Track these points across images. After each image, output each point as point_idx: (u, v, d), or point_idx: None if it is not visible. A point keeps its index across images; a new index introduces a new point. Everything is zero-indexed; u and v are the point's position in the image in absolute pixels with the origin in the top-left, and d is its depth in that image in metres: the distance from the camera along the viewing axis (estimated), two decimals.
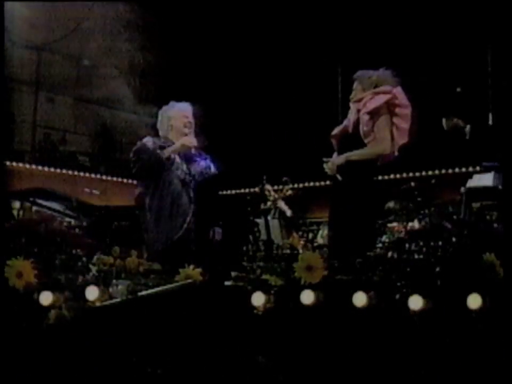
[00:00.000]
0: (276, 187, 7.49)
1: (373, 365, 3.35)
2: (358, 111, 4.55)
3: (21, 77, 9.29)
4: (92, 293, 3.75)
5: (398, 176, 8.77)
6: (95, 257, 3.98)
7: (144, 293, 3.71)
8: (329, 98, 8.67)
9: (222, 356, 3.56)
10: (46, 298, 3.78)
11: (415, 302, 3.27)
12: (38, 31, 9.36)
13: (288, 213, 6.88)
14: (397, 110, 4.46)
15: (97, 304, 3.71)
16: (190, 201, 4.74)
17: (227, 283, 3.67)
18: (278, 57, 9.20)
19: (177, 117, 4.96)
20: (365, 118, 4.49)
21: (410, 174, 8.65)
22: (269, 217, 6.80)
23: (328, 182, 9.46)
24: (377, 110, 4.44)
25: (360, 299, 3.35)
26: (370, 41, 8.63)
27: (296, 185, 7.73)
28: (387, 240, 5.45)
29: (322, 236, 6.88)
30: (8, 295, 3.83)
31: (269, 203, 6.93)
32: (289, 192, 7.14)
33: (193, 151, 4.92)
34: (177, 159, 4.84)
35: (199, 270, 3.80)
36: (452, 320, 3.27)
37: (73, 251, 4.03)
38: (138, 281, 3.80)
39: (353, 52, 8.72)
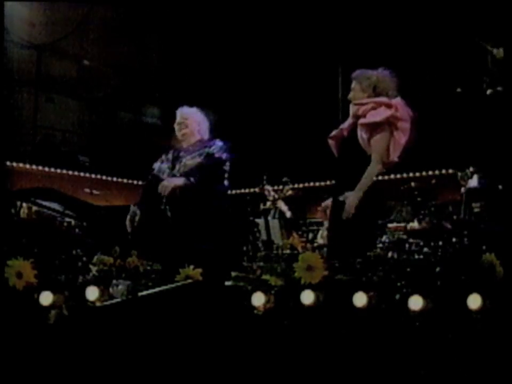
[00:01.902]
0: (276, 187, 7.49)
1: (373, 365, 3.35)
2: (356, 116, 4.52)
3: (21, 77, 9.27)
4: (92, 293, 3.75)
5: (398, 176, 8.75)
6: (95, 257, 3.98)
7: (144, 293, 3.71)
8: (329, 98, 8.66)
9: (222, 356, 3.55)
10: (46, 298, 3.78)
11: (415, 302, 3.27)
12: (38, 31, 9.36)
13: (288, 214, 6.88)
14: (398, 123, 4.42)
15: (98, 304, 3.71)
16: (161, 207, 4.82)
17: (227, 283, 3.66)
18: (278, 57, 9.20)
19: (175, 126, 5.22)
20: (363, 128, 4.45)
21: (411, 174, 8.64)
22: (269, 217, 6.80)
23: (328, 182, 9.50)
24: (377, 125, 4.39)
25: (360, 299, 3.35)
26: (370, 40, 8.62)
27: (296, 185, 7.73)
28: (387, 240, 5.45)
29: (322, 236, 6.87)
30: (8, 295, 3.83)
31: (268, 203, 6.94)
32: (290, 192, 7.13)
33: (189, 149, 5.05)
34: (162, 167, 5.07)
35: (199, 270, 3.80)
36: (452, 320, 3.27)
37: (73, 251, 4.04)
38: (138, 281, 3.80)
39: (354, 52, 8.71)
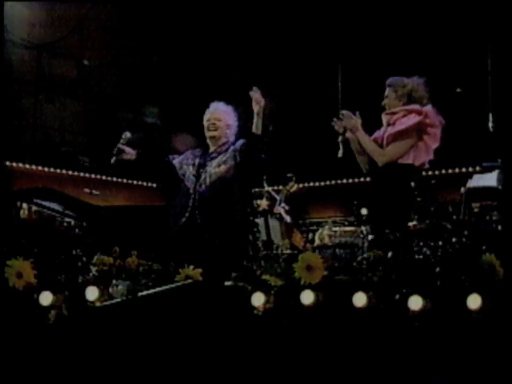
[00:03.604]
0: (275, 187, 7.48)
1: (372, 365, 3.35)
2: (389, 125, 4.53)
3: (21, 77, 9.27)
4: (91, 293, 3.75)
5: None
6: (95, 257, 3.98)
7: (144, 293, 3.71)
8: (329, 98, 8.67)
9: (222, 356, 3.55)
10: (46, 298, 3.78)
11: (415, 302, 3.27)
12: (38, 31, 9.35)
13: (288, 219, 6.86)
14: (428, 129, 4.45)
15: (97, 304, 3.71)
16: (193, 207, 4.77)
17: (227, 283, 3.66)
18: (280, 57, 9.20)
19: (204, 122, 5.02)
20: (391, 135, 4.45)
21: None
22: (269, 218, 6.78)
23: (328, 182, 9.50)
24: (406, 131, 4.41)
25: (360, 299, 3.36)
26: (370, 41, 8.63)
27: (297, 185, 7.72)
28: None
29: (320, 236, 6.84)
30: (8, 295, 3.82)
31: (265, 204, 6.92)
32: (294, 188, 7.11)
33: (215, 154, 4.92)
34: (188, 170, 4.93)
35: (199, 270, 3.80)
36: (452, 321, 3.27)
37: (73, 251, 4.04)
38: (138, 281, 3.79)
39: (353, 52, 8.72)
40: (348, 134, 4.58)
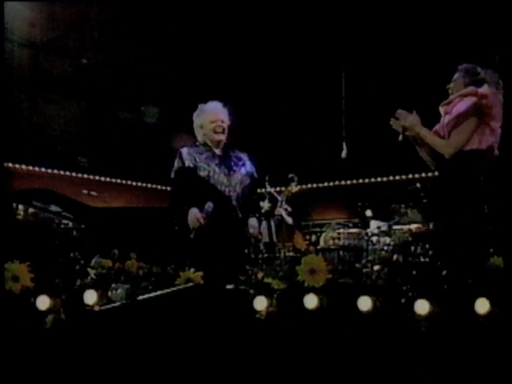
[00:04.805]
0: (278, 188, 7.44)
1: (378, 369, 3.31)
2: (446, 113, 4.45)
3: (21, 77, 9.28)
4: (90, 297, 3.70)
5: (403, 177, 8.75)
6: (93, 260, 3.94)
7: (145, 296, 3.67)
8: (332, 99, 8.65)
9: (223, 360, 3.51)
10: (43, 302, 3.74)
11: (421, 306, 3.22)
12: (38, 30, 9.37)
13: (290, 220, 6.83)
14: (488, 110, 4.34)
15: (96, 308, 3.66)
16: (232, 213, 4.72)
17: (229, 286, 3.62)
18: (285, 59, 9.20)
19: (206, 123, 4.83)
20: (450, 122, 4.37)
21: (416, 175, 8.61)
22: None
23: (331, 184, 9.47)
24: (463, 115, 4.32)
25: (364, 303, 3.31)
26: (373, 44, 8.62)
27: (299, 186, 7.70)
28: (392, 242, 5.40)
29: (325, 238, 6.81)
30: (4, 299, 3.78)
31: (267, 206, 6.89)
32: (296, 189, 7.08)
33: (233, 158, 4.87)
34: (217, 172, 4.75)
35: (199, 273, 3.76)
36: (459, 325, 3.22)
37: (71, 254, 4.00)
38: (138, 284, 3.75)
39: (357, 54, 8.71)
40: (408, 132, 4.47)
